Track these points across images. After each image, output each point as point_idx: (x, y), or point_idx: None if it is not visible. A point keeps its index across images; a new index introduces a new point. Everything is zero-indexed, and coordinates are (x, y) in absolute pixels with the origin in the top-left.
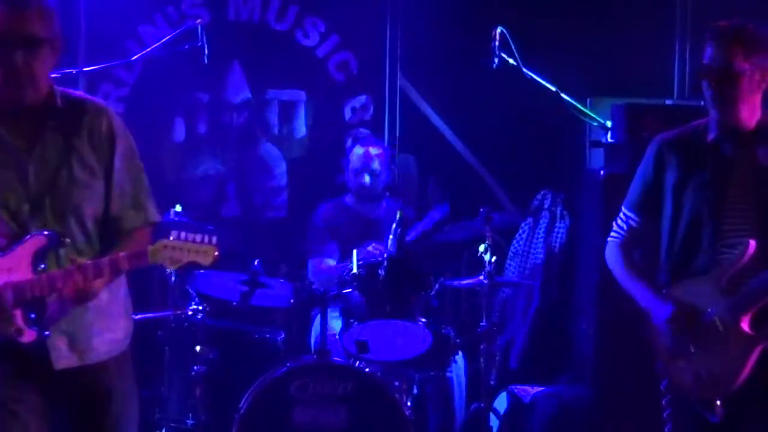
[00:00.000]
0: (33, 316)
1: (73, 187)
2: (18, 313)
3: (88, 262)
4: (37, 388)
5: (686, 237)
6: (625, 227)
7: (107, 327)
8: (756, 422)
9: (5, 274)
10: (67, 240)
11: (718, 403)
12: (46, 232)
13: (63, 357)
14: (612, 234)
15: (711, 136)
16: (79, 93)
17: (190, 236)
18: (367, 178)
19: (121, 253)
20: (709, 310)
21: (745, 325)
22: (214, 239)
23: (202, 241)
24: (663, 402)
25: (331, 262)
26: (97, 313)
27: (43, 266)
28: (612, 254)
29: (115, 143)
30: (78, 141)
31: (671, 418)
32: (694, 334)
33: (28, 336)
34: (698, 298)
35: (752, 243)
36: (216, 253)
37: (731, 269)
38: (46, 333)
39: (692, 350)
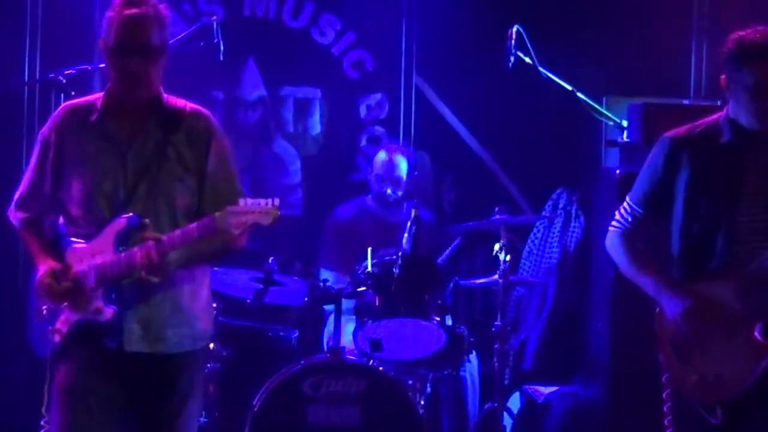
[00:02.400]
0: (113, 295)
1: (167, 177)
2: (99, 294)
3: (164, 236)
4: (108, 378)
5: (700, 238)
6: (629, 218)
7: (183, 322)
8: (758, 427)
9: (89, 259)
10: (146, 221)
11: (719, 407)
12: (127, 215)
13: (135, 341)
14: (614, 223)
15: (725, 138)
16: (183, 100)
17: (255, 202)
18: (389, 190)
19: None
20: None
21: (757, 333)
22: (277, 201)
23: (266, 205)
24: (664, 395)
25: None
26: (173, 305)
27: (123, 248)
28: (614, 243)
29: (211, 144)
30: (175, 136)
31: (672, 412)
32: (705, 334)
33: (107, 314)
34: (712, 300)
35: None
36: (277, 213)
37: (750, 276)
38: (123, 311)
39: (698, 351)
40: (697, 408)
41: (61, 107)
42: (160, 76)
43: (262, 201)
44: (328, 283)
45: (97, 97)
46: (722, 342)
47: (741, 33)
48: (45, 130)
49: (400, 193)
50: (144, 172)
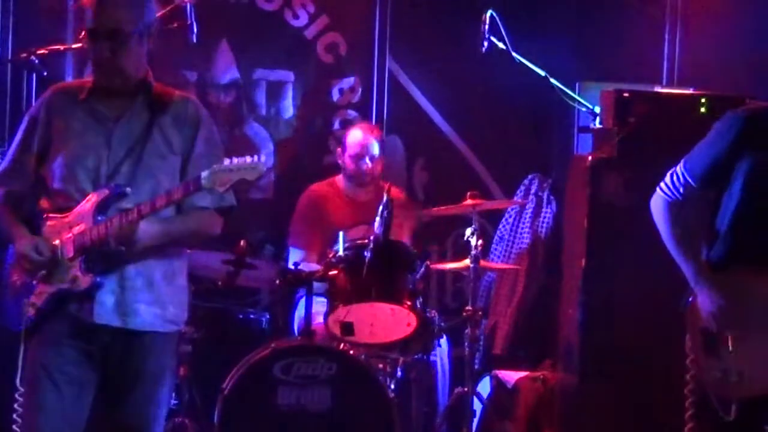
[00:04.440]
0: (91, 265)
1: (151, 156)
2: (77, 263)
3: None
4: (80, 357)
5: (757, 222)
6: (681, 189)
7: (155, 301)
8: None
9: (67, 231)
10: (128, 189)
11: (734, 404)
12: (109, 185)
13: (106, 313)
14: (663, 188)
15: None
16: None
17: (240, 159)
18: (368, 163)
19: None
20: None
21: None
22: (263, 158)
23: (251, 161)
24: (687, 376)
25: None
26: (148, 283)
27: (101, 218)
28: (661, 211)
29: (198, 128)
30: (162, 118)
31: (693, 395)
32: (737, 330)
33: (84, 282)
34: (753, 295)
35: None
36: (263, 168)
37: None
38: (99, 280)
39: (727, 345)
40: (711, 400)
41: (51, 87)
42: (140, 60)
43: (248, 157)
44: (299, 266)
45: (86, 80)
46: (755, 340)
47: None
48: (33, 109)
49: (377, 170)
50: (129, 150)
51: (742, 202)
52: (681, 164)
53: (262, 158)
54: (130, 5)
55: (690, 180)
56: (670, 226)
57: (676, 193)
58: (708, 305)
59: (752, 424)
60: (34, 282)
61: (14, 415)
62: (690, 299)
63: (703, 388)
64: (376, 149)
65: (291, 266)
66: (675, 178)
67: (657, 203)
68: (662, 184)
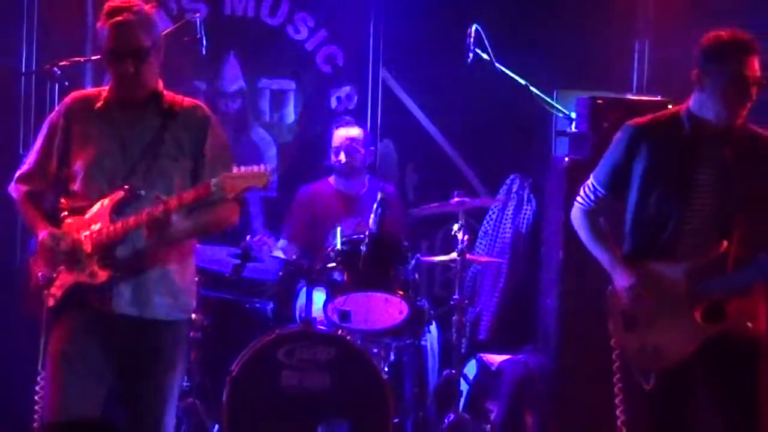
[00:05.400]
0: (108, 261)
1: (164, 158)
2: (95, 259)
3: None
4: (98, 343)
5: (652, 222)
6: (592, 197)
7: (169, 292)
8: (683, 395)
9: (86, 228)
10: (142, 192)
11: (652, 374)
12: (124, 187)
13: (124, 304)
14: (579, 200)
15: (685, 130)
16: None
17: (248, 168)
18: (342, 156)
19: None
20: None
21: (697, 315)
22: (269, 167)
23: (259, 169)
24: (613, 356)
25: (280, 254)
26: (161, 276)
27: (117, 217)
28: (579, 218)
29: (208, 131)
30: (173, 123)
31: (619, 371)
32: (650, 309)
33: (101, 276)
34: (661, 279)
35: (723, 243)
36: (270, 177)
37: (698, 264)
38: (116, 275)
39: (643, 322)
40: (634, 373)
41: (70, 95)
42: (156, 72)
43: (255, 166)
44: (272, 253)
45: (103, 89)
46: (665, 318)
47: (719, 32)
48: (53, 115)
49: (356, 162)
50: (143, 154)
51: (638, 204)
52: (591, 177)
53: (269, 167)
54: (145, 26)
55: (599, 188)
56: (588, 230)
57: (589, 201)
58: (624, 287)
59: (669, 390)
60: (55, 274)
61: (36, 397)
62: (610, 287)
63: (627, 364)
64: (355, 142)
65: (275, 252)
66: (587, 189)
67: (575, 213)
68: (578, 197)
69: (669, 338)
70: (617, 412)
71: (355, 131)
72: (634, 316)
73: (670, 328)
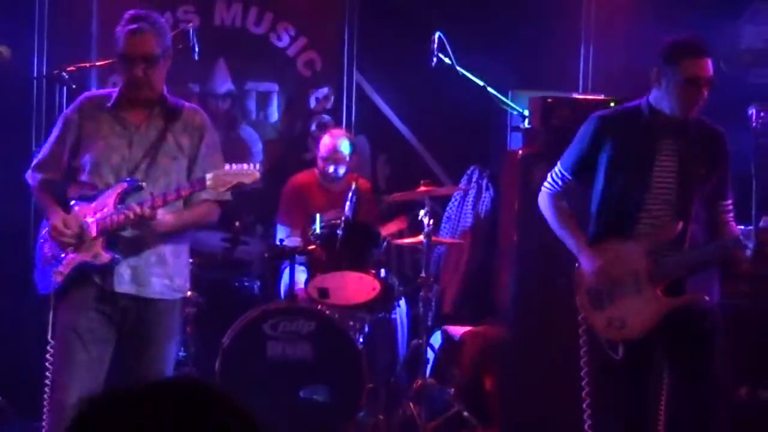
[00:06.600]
0: (111, 244)
1: (165, 156)
2: (99, 242)
3: (159, 192)
4: (101, 318)
5: (616, 204)
6: (559, 182)
7: (165, 273)
8: (653, 363)
9: (93, 214)
10: (144, 184)
11: (620, 345)
12: (127, 179)
13: (124, 283)
14: (546, 185)
15: (643, 119)
16: (182, 100)
17: (239, 166)
18: (332, 168)
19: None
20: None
21: (659, 291)
22: (258, 166)
23: (248, 168)
24: (580, 330)
25: (288, 242)
26: (159, 259)
27: (120, 206)
28: (545, 202)
29: (204, 134)
30: (174, 124)
31: (586, 344)
32: (615, 286)
33: (104, 258)
34: (624, 258)
35: (680, 224)
36: (258, 175)
37: (657, 240)
38: (117, 257)
39: (609, 299)
40: (602, 344)
41: (84, 95)
42: (163, 77)
43: (245, 165)
44: (284, 243)
45: (113, 90)
46: (630, 294)
47: (677, 36)
48: (68, 111)
49: (342, 171)
50: (147, 152)
51: (603, 189)
52: (558, 164)
53: (258, 166)
54: (158, 35)
55: (566, 173)
56: (554, 212)
57: (556, 186)
58: (589, 267)
59: (635, 360)
60: (62, 255)
61: (47, 364)
62: (577, 265)
63: (594, 337)
64: (343, 153)
65: (278, 241)
66: (555, 174)
67: (542, 196)
68: (545, 183)
69: (634, 312)
70: (582, 384)
71: (344, 144)
72: (600, 294)
73: (635, 303)
